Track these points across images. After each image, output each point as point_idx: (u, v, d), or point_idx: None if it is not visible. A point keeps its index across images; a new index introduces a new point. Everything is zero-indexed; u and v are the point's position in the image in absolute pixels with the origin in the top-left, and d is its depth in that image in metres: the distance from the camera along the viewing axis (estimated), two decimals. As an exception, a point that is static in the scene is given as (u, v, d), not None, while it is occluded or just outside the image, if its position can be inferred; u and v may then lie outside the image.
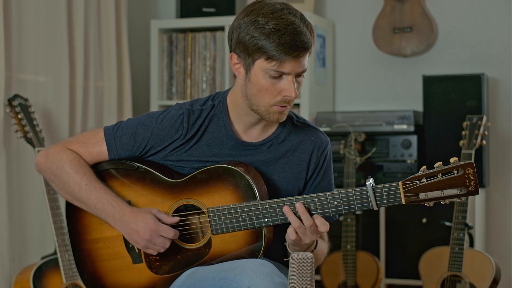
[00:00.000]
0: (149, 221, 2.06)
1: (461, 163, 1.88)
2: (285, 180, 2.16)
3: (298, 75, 2.03)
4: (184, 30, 4.06)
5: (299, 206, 1.97)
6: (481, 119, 3.28)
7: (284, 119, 2.09)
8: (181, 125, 2.13)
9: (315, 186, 2.18)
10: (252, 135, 2.16)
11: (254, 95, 2.04)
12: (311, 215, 1.98)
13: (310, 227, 1.97)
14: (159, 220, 2.07)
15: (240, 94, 2.09)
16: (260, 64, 1.99)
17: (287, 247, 2.06)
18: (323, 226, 1.98)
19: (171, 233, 2.06)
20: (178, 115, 2.14)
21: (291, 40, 1.95)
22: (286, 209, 1.99)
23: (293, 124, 2.19)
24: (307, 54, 2.01)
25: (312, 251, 2.08)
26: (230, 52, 2.08)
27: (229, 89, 2.17)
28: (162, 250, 2.08)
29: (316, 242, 2.10)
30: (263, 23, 1.97)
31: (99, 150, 2.16)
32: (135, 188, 2.15)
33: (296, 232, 1.98)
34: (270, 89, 2.01)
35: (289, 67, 1.98)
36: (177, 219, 2.08)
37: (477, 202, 3.61)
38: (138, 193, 2.14)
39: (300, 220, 1.98)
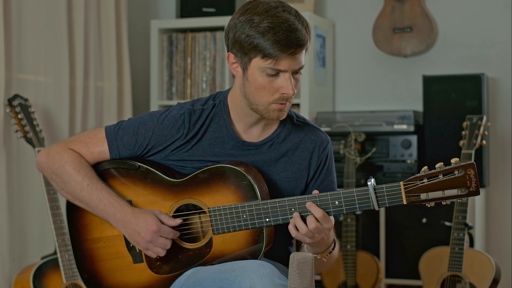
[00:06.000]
0: (150, 222, 2.05)
1: (463, 163, 1.88)
2: (286, 180, 2.15)
3: (295, 72, 2.02)
4: (184, 30, 4.06)
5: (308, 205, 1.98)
6: (481, 119, 3.28)
7: (284, 116, 2.08)
8: (182, 124, 2.13)
9: (318, 186, 2.18)
10: (253, 134, 2.15)
11: (252, 94, 2.04)
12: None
13: (307, 233, 1.98)
14: (161, 221, 2.07)
15: (239, 94, 2.09)
16: (257, 62, 1.99)
17: (304, 247, 2.06)
18: (324, 221, 1.97)
19: (171, 234, 2.06)
20: (179, 114, 2.14)
21: (285, 37, 1.95)
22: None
23: (293, 123, 2.19)
24: (303, 51, 2.01)
25: (330, 252, 2.08)
26: (228, 52, 2.08)
27: (229, 89, 2.17)
28: (162, 253, 2.07)
29: (335, 244, 2.10)
30: (258, 21, 1.97)
31: (101, 149, 2.16)
32: (136, 187, 2.14)
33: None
34: (268, 87, 2.01)
35: (285, 65, 1.98)
36: (179, 221, 2.08)
37: (477, 202, 3.61)
38: (139, 193, 2.14)
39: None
